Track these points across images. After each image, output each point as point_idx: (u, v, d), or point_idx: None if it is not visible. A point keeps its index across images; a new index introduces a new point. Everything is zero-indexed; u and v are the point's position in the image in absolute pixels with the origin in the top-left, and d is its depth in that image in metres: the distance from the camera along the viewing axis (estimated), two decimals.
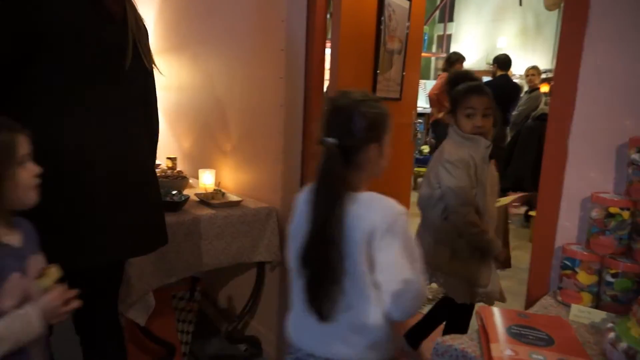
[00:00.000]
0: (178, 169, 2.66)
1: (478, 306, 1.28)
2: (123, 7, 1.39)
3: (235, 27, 2.29)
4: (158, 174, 2.42)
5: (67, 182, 1.26)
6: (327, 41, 2.03)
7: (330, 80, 1.99)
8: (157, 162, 2.82)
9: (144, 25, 1.47)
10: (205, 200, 2.07)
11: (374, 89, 2.17)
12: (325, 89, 2.10)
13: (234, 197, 2.14)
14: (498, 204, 2.04)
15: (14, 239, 1.04)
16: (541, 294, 1.27)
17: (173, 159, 2.66)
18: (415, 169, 6.10)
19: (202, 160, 2.64)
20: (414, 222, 1.74)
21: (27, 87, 1.24)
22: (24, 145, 1.03)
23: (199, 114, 2.64)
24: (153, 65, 1.49)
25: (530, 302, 1.30)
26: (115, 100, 1.35)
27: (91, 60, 1.28)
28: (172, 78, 2.86)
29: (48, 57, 1.22)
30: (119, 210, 1.34)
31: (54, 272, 1.07)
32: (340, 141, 1.04)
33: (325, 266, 1.04)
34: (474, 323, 1.26)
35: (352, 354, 1.07)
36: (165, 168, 2.63)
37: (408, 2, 2.29)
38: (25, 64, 1.22)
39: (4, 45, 1.19)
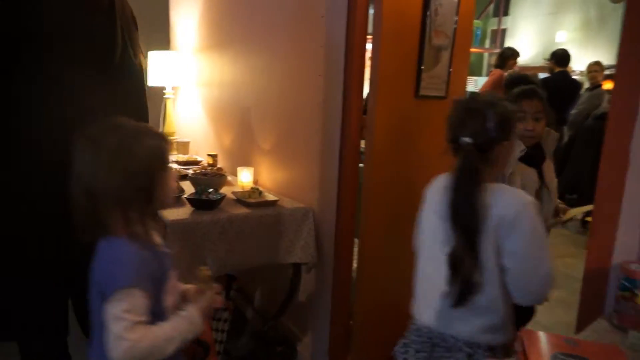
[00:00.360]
0: (219, 165, 2.65)
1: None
2: None
3: (275, 24, 2.25)
4: (198, 171, 2.44)
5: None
6: (368, 37, 1.95)
7: (371, 77, 1.90)
8: (198, 158, 2.84)
9: (132, 14, 1.44)
10: (241, 199, 2.04)
11: (418, 86, 2.06)
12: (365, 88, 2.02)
13: (271, 196, 2.11)
14: (568, 215, 1.94)
15: (159, 239, 1.09)
16: (594, 316, 1.15)
17: (214, 156, 2.66)
18: None
19: (241, 157, 2.62)
20: None
21: (13, 82, 1.22)
22: (169, 149, 1.07)
23: (239, 111, 2.62)
24: (141, 57, 1.46)
25: (581, 326, 1.19)
26: (102, 94, 1.32)
27: (80, 56, 1.25)
28: (214, 74, 2.86)
29: (35, 55, 1.20)
30: None
31: (206, 272, 1.16)
32: (475, 140, 1.15)
33: (466, 254, 1.11)
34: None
35: (471, 332, 1.14)
36: (206, 164, 2.63)
37: None
38: (10, 61, 1.19)
39: None
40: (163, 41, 3.40)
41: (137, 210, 0.99)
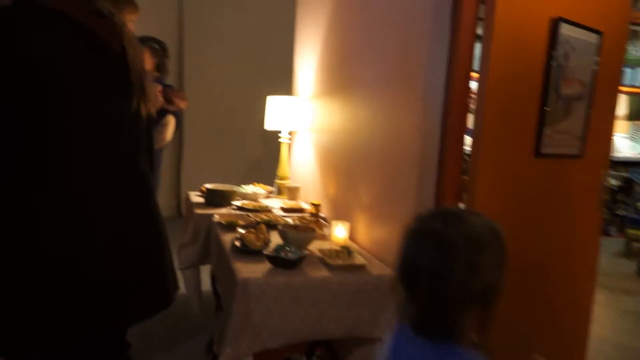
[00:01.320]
0: (322, 214, 2.55)
1: None
2: (121, 39, 1.29)
3: (378, 73, 2.10)
4: (298, 219, 2.36)
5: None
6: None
7: (475, 131, 1.63)
8: (304, 205, 2.77)
9: (142, 60, 1.38)
10: (325, 259, 1.88)
11: (538, 144, 1.72)
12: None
13: (360, 259, 1.91)
14: None
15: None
16: None
17: (317, 205, 2.56)
18: (631, 231, 5.04)
19: (342, 209, 2.48)
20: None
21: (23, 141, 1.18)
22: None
23: (344, 160, 2.49)
24: (150, 107, 1.39)
25: None
26: (115, 148, 1.29)
27: (95, 110, 1.22)
28: (325, 121, 2.79)
29: (47, 111, 1.16)
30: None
31: None
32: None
33: None
34: None
35: None
36: (308, 214, 2.54)
37: (596, 36, 1.80)
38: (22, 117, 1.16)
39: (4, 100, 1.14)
40: (287, 86, 3.47)
41: (482, 311, 0.87)
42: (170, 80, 5.71)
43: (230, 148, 5.70)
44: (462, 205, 1.73)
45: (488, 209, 1.66)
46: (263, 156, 5.42)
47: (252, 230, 2.08)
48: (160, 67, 3.04)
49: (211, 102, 5.63)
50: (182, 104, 2.94)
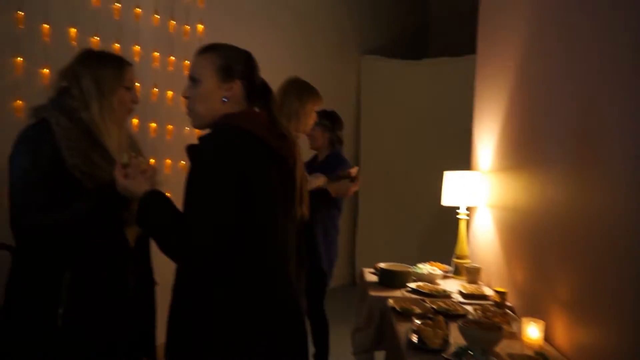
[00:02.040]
0: (508, 303, 2.26)
1: None
2: (294, 155, 1.48)
3: (571, 147, 1.83)
4: (481, 309, 2.12)
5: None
6: None
7: None
8: (486, 290, 2.50)
9: (302, 168, 1.72)
10: None
11: None
12: None
13: None
14: None
15: None
16: None
17: (502, 293, 2.28)
18: None
19: (531, 300, 2.17)
20: None
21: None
22: None
23: (533, 244, 2.20)
24: (305, 210, 1.66)
25: None
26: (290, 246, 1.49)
27: (283, 217, 1.45)
28: (507, 197, 2.55)
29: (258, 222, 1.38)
30: None
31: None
32: None
33: None
34: None
35: None
36: (491, 303, 2.27)
37: None
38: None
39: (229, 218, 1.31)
40: (465, 159, 3.30)
41: None
42: (347, 150, 5.95)
43: (404, 220, 5.62)
44: None
45: None
46: (438, 232, 5.19)
47: (430, 322, 1.91)
48: (333, 142, 3.13)
49: (386, 171, 5.68)
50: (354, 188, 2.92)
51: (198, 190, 1.28)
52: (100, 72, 1.66)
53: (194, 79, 1.42)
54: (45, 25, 2.96)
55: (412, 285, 2.53)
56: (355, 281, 5.82)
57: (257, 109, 1.50)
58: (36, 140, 1.57)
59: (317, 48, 5.31)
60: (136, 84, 1.78)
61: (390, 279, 2.58)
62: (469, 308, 2.20)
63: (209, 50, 1.44)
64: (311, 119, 2.48)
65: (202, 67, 1.41)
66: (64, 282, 1.59)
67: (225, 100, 1.41)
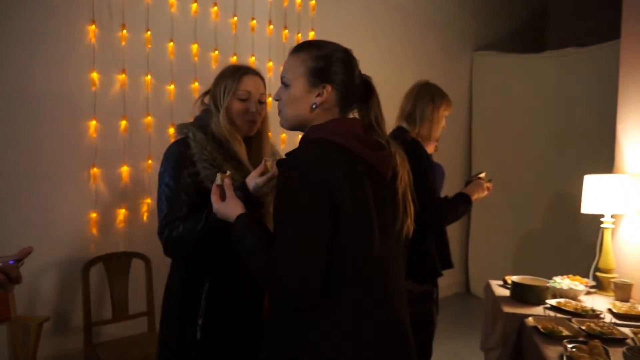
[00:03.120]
0: None
1: None
2: (393, 166, 1.32)
3: None
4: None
5: None
6: None
7: None
8: None
9: (408, 179, 1.38)
10: None
11: None
12: None
13: None
14: None
15: None
16: None
17: None
18: None
19: None
20: None
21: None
22: None
23: None
24: (410, 225, 1.36)
25: None
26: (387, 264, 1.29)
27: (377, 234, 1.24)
28: None
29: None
30: None
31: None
32: None
33: None
34: None
35: None
36: None
37: None
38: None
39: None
40: (604, 160, 2.96)
41: None
42: (457, 151, 5.68)
43: (520, 227, 5.21)
44: None
45: None
46: (560, 240, 4.76)
47: (584, 347, 1.70)
48: None
49: (501, 174, 5.31)
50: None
51: (282, 216, 1.16)
52: (218, 86, 1.69)
53: (284, 83, 1.31)
54: (171, 44, 3.13)
55: (552, 301, 2.28)
56: (470, 290, 5.53)
57: (354, 114, 1.35)
58: (177, 156, 1.62)
59: (427, 47, 5.12)
60: (260, 93, 1.73)
61: (526, 294, 2.35)
62: (626, 331, 1.93)
63: (301, 49, 1.30)
64: (442, 125, 2.34)
65: (292, 70, 1.29)
66: (204, 292, 1.62)
67: (315, 107, 1.27)
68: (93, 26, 2.79)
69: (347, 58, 1.29)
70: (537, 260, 4.81)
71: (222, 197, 1.39)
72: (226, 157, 1.63)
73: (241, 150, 1.67)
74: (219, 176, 1.41)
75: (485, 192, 2.34)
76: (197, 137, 1.63)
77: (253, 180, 1.46)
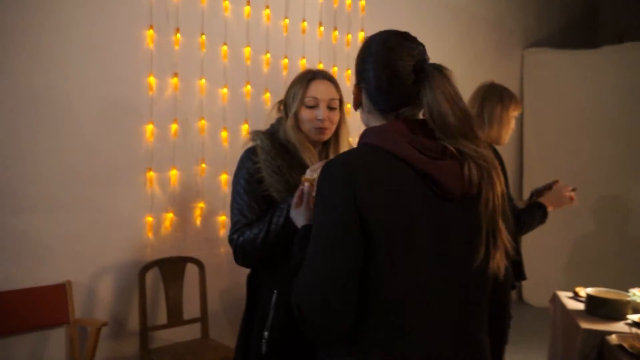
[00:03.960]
0: None
1: None
2: (465, 181, 1.01)
3: None
4: None
5: None
6: None
7: None
8: None
9: (498, 202, 1.02)
10: None
11: None
12: None
13: None
14: None
15: None
16: None
17: None
18: None
19: None
20: None
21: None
22: None
23: None
24: (500, 260, 1.03)
25: None
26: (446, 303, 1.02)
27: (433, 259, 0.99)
28: None
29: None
30: None
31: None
32: None
33: None
34: None
35: None
36: None
37: None
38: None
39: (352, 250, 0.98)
40: None
41: None
42: (508, 154, 5.44)
43: (577, 235, 4.98)
44: None
45: None
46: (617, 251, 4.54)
47: None
48: None
49: (553, 175, 5.10)
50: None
51: (313, 233, 1.02)
52: (289, 93, 1.65)
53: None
54: (224, 47, 3.10)
55: (634, 317, 2.13)
56: (522, 298, 5.33)
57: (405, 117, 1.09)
58: (245, 163, 1.60)
59: (476, 45, 4.96)
60: (330, 99, 1.65)
61: (604, 309, 2.21)
62: None
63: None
64: (512, 126, 2.22)
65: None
66: (272, 303, 1.57)
67: (358, 110, 1.15)
68: (151, 31, 2.79)
69: (383, 47, 1.08)
70: (592, 268, 4.59)
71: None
72: (292, 164, 1.59)
73: (311, 157, 1.62)
74: (303, 180, 1.35)
75: (568, 202, 2.19)
76: (264, 143, 1.60)
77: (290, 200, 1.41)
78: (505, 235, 1.04)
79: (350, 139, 1.72)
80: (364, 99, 1.11)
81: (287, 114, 1.64)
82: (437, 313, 1.02)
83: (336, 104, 1.66)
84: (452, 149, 1.01)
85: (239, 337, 1.68)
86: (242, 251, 1.53)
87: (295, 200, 1.33)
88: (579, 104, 4.96)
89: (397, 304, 1.01)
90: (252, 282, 1.67)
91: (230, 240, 1.56)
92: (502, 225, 1.03)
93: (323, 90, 1.63)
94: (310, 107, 1.61)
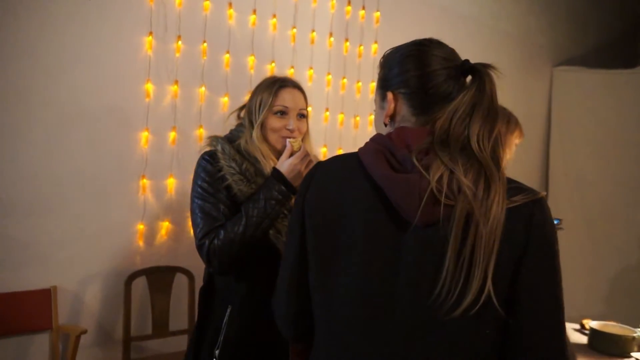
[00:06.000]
0: None
1: None
2: (418, 204, 0.82)
3: None
4: None
5: None
6: None
7: None
8: None
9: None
10: None
11: None
12: None
13: None
14: None
15: None
16: None
17: None
18: None
19: None
20: None
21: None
22: None
23: None
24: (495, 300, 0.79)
25: None
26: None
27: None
28: None
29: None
30: None
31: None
32: None
33: None
34: None
35: None
36: None
37: None
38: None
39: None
40: None
41: None
42: (533, 175, 5.21)
43: (603, 259, 4.66)
44: None
45: None
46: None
47: None
48: None
49: (582, 202, 4.82)
50: None
51: None
52: (253, 99, 1.59)
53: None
54: (227, 56, 3.08)
55: (638, 355, 1.92)
56: None
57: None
58: (206, 167, 1.53)
59: (500, 61, 4.70)
60: (308, 108, 1.62)
61: (607, 344, 2.00)
62: None
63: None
64: (512, 152, 2.05)
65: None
66: (224, 319, 1.49)
67: (386, 125, 0.99)
68: (150, 37, 2.79)
69: (413, 52, 0.97)
70: (623, 299, 4.27)
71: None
72: (257, 172, 1.53)
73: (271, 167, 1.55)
74: (288, 142, 1.53)
75: None
76: (226, 149, 1.54)
77: (284, 162, 1.49)
78: (482, 272, 0.80)
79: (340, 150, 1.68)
80: (396, 105, 0.97)
81: (250, 122, 1.58)
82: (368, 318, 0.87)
83: (305, 113, 1.62)
84: (417, 163, 0.85)
85: (186, 355, 1.60)
86: (219, 253, 1.42)
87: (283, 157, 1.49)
88: (611, 126, 4.69)
89: (324, 321, 0.93)
90: (206, 295, 1.58)
91: (201, 246, 1.45)
92: (480, 260, 0.80)
93: (293, 99, 1.58)
94: (279, 116, 1.55)
